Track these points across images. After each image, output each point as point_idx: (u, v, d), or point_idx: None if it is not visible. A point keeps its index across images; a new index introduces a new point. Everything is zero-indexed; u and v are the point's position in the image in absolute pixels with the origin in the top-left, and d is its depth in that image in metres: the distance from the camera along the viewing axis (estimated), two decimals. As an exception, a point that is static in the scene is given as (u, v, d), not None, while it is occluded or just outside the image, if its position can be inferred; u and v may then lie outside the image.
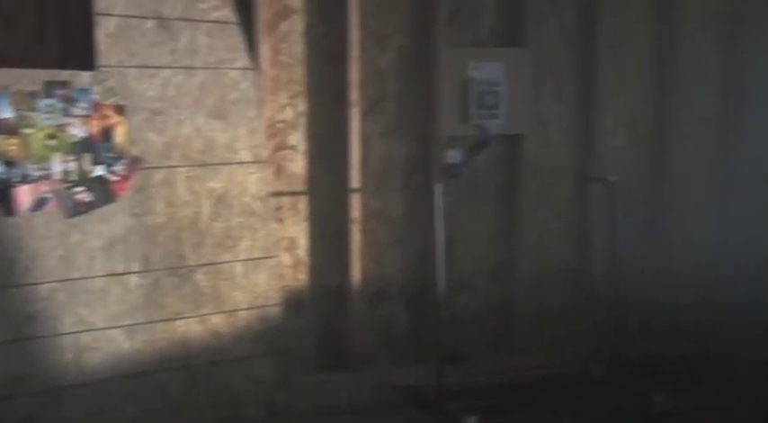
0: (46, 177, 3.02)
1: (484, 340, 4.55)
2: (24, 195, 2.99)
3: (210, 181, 3.42)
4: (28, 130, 2.99)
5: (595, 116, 4.63)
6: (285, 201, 4.16)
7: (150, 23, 3.27)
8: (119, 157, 3.19)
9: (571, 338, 4.69)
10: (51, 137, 3.03)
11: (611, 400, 4.15)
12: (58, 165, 3.05)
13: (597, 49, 4.57)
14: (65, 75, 3.08)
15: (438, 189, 4.01)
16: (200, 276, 3.38)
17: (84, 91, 3.10)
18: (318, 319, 4.27)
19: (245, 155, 3.52)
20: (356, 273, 4.25)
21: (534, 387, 4.29)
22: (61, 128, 3.05)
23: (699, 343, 4.57)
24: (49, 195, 3.04)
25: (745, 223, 4.94)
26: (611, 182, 4.44)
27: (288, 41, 4.06)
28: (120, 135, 3.19)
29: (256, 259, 3.54)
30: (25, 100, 2.98)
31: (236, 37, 3.48)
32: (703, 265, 4.88)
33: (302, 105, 4.13)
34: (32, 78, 3.02)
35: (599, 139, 4.65)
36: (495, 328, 4.59)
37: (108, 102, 3.16)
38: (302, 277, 4.23)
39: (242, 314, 3.48)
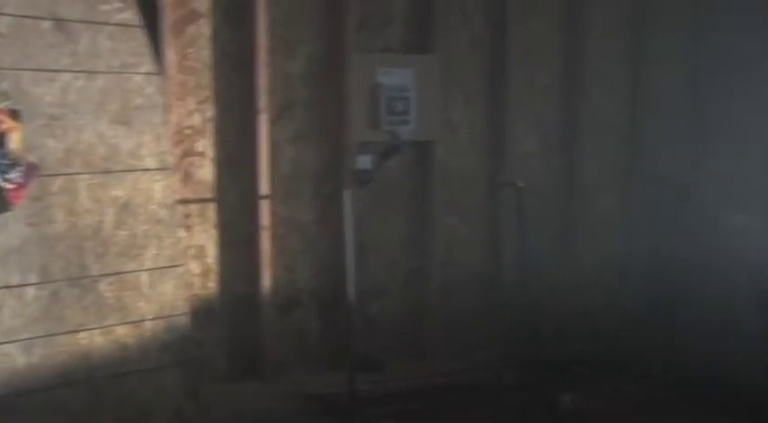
0: (-66, 185, 2.86)
1: (397, 346, 4.53)
2: None
3: (114, 188, 3.30)
4: None
5: (505, 123, 4.68)
6: (193, 208, 4.05)
7: (47, 24, 3.14)
8: (13, 164, 3.03)
9: (483, 343, 4.71)
10: (-60, 143, 2.87)
11: (521, 403, 4.18)
12: (-53, 172, 2.89)
13: (507, 58, 4.62)
14: (-46, 77, 2.93)
15: (348, 195, 3.97)
16: (103, 287, 3.25)
17: (-25, 95, 2.95)
18: (229, 327, 4.17)
19: (150, 162, 3.41)
20: (267, 280, 4.17)
21: (446, 392, 4.28)
22: (-49, 133, 2.89)
23: (606, 346, 4.64)
24: (-63, 204, 2.87)
25: (649, 230, 5.06)
26: (520, 188, 4.48)
27: (195, 46, 3.96)
28: (14, 141, 3.04)
29: (163, 268, 3.43)
30: None
31: (140, 41, 3.37)
32: (611, 271, 4.98)
33: (210, 111, 4.03)
34: None
35: (509, 146, 4.70)
36: (407, 334, 4.58)
37: (0, 106, 3.01)
38: (211, 286, 4.12)
39: (148, 325, 3.36)
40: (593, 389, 4.28)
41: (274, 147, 4.15)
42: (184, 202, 3.98)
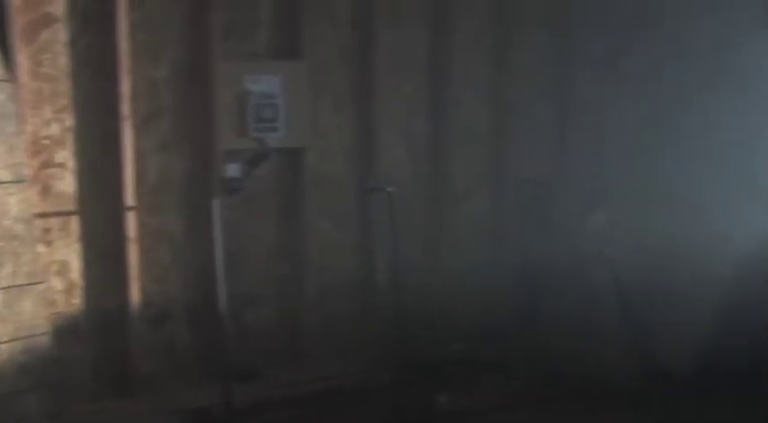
0: None
1: (273, 354, 4.44)
2: None
3: (-37, 203, 3.08)
4: None
5: (375, 129, 4.67)
6: (54, 222, 3.82)
7: None
8: None
9: (359, 347, 4.68)
10: None
11: (397, 404, 4.19)
12: None
13: (375, 63, 4.61)
14: None
15: (217, 204, 3.86)
16: (-47, 308, 3.02)
17: None
18: (96, 345, 3.97)
19: (3, 174, 3.20)
20: (135, 294, 4.00)
21: (324, 397, 4.24)
22: None
23: (479, 346, 4.71)
24: None
25: (517, 231, 5.17)
26: (390, 193, 4.49)
27: (51, 52, 3.74)
28: None
29: (20, 286, 3.23)
30: None
31: (-13, 46, 3.16)
32: (481, 272, 5.06)
33: (69, 120, 3.82)
34: None
35: (379, 151, 4.69)
36: (283, 341, 4.49)
37: None
38: (76, 302, 3.91)
39: (3, 347, 3.15)
40: (468, 388, 4.34)
41: (139, 156, 3.98)
42: (44, 215, 3.75)
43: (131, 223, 3.96)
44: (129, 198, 3.94)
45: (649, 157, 5.06)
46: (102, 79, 3.85)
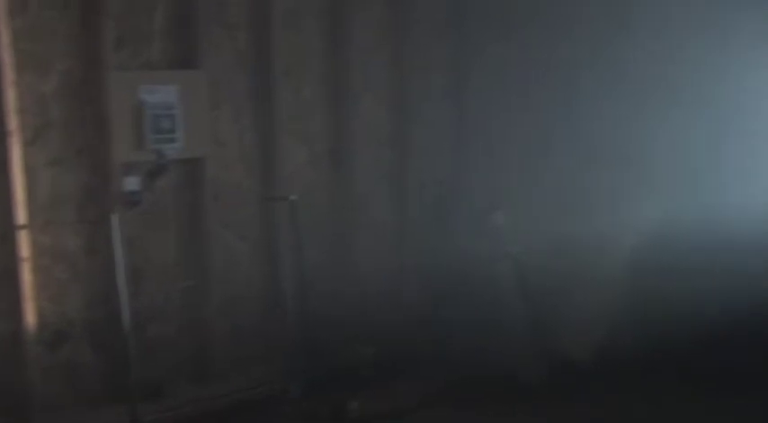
0: None
1: (179, 369, 4.30)
2: None
3: None
4: None
5: (275, 136, 4.59)
6: (-61, 244, 3.60)
7: None
8: None
9: (267, 357, 4.59)
10: None
11: (309, 413, 4.13)
12: None
13: (273, 71, 4.53)
14: None
15: (116, 219, 3.71)
16: None
17: None
18: (-10, 371, 3.75)
19: None
20: (30, 316, 3.80)
21: (233, 411, 4.14)
22: None
23: (389, 349, 4.69)
24: None
25: (423, 233, 5.19)
26: (292, 201, 4.44)
27: (-72, 65, 3.52)
28: None
29: None
30: None
31: None
32: (388, 275, 5.05)
33: (-49, 136, 3.60)
34: None
35: (279, 158, 4.61)
36: (190, 356, 4.36)
37: None
38: (-35, 328, 3.69)
39: None
40: (379, 393, 4.32)
41: (29, 172, 3.78)
42: (-73, 238, 3.53)
43: (23, 242, 3.76)
44: (20, 216, 3.74)
45: (545, 158, 5.17)
46: (-15, 92, 3.65)
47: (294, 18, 4.64)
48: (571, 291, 4.52)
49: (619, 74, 4.87)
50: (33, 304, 3.81)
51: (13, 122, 3.69)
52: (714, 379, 4.10)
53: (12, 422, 3.78)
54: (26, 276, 3.78)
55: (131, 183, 3.96)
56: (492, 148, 5.34)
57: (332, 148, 4.88)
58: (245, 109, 4.50)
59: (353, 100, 4.91)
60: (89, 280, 4.00)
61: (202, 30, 4.24)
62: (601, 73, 4.93)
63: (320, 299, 4.63)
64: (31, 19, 3.75)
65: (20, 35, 3.70)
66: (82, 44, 3.89)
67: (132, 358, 3.83)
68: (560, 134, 5.15)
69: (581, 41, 5.01)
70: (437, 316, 4.87)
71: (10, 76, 3.67)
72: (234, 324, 4.50)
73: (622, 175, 4.83)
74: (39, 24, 3.78)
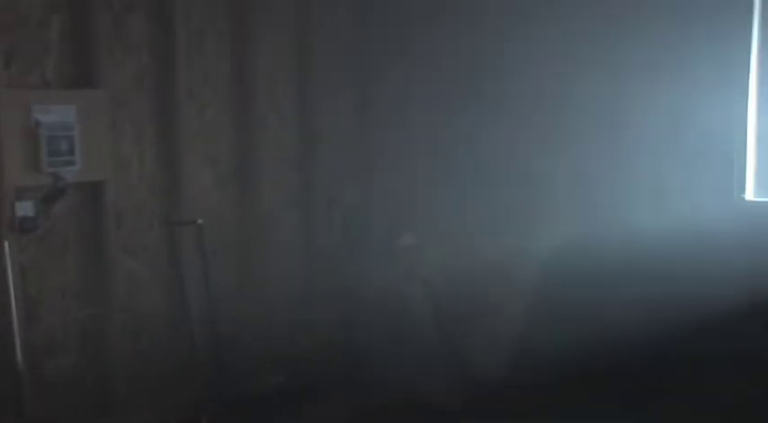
0: None
1: (80, 405, 4.00)
2: None
3: None
4: None
5: (178, 156, 4.36)
6: None
7: None
8: None
9: (175, 387, 4.34)
10: None
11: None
12: None
13: (176, 91, 4.31)
14: None
15: (7, 246, 3.42)
16: None
17: None
18: None
19: None
20: None
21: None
22: None
23: (302, 373, 4.53)
24: None
25: (331, 254, 5.05)
26: (198, 225, 4.23)
27: None
28: None
29: None
30: None
31: None
32: (298, 298, 4.89)
33: None
34: None
35: (183, 180, 4.39)
36: (89, 391, 4.06)
37: None
38: None
39: None
40: (290, 420, 4.15)
41: None
42: None
43: None
44: None
45: (451, 177, 5.14)
46: None
47: (199, 38, 4.44)
48: (482, 311, 4.49)
49: (523, 91, 4.88)
50: None
51: None
52: (626, 392, 4.12)
53: None
54: None
55: (25, 208, 3.67)
56: (398, 168, 5.27)
57: (238, 169, 4.69)
58: (147, 130, 4.26)
59: (259, 121, 4.74)
60: (-22, 313, 3.67)
61: (102, 47, 3.99)
62: (504, 91, 4.93)
63: (229, 325, 4.42)
64: None
65: None
66: (-33, 61, 3.59)
67: (26, 396, 3.53)
68: (465, 152, 5.12)
69: (483, 57, 5.00)
70: (349, 340, 4.74)
71: None
72: (138, 354, 4.23)
73: (528, 193, 4.84)
74: None
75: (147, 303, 4.28)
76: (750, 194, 4.48)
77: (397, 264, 4.69)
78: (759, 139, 4.47)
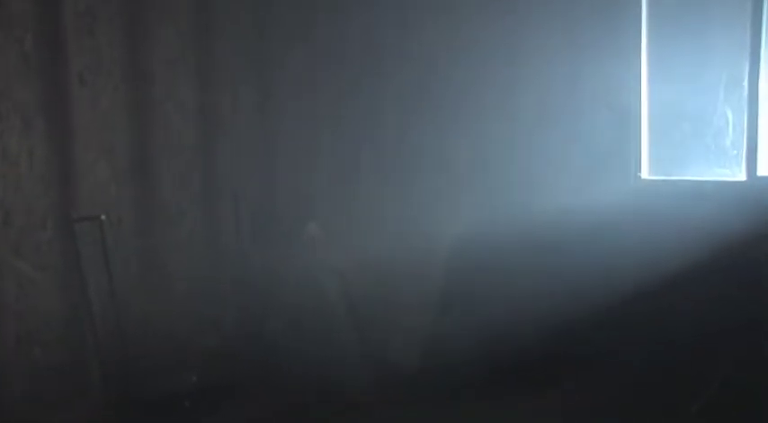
0: None
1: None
2: None
3: None
4: None
5: (72, 149, 3.90)
6: None
7: None
8: None
9: (74, 395, 3.88)
10: None
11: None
12: None
13: (65, 76, 3.84)
14: None
15: None
16: None
17: None
18: None
19: None
20: None
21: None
22: None
23: (214, 373, 4.16)
24: None
25: (237, 252, 4.69)
26: (100, 220, 3.79)
27: None
28: None
29: None
30: None
31: None
32: (204, 293, 4.51)
33: None
34: None
35: (78, 175, 3.94)
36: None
37: None
38: None
39: None
40: (205, 420, 3.80)
41: None
42: None
43: None
44: None
45: (356, 167, 4.90)
46: None
47: (90, 21, 3.98)
48: (394, 299, 4.26)
49: (425, 79, 4.71)
50: None
51: None
52: (539, 376, 4.00)
53: None
54: None
55: None
56: (303, 158, 4.97)
57: (137, 162, 4.26)
58: (36, 121, 3.78)
59: (157, 111, 4.33)
60: None
61: (-20, 31, 3.50)
62: (407, 78, 4.74)
63: (135, 325, 4.00)
64: None
65: None
66: None
67: None
68: (370, 142, 4.89)
69: (385, 48, 4.80)
70: (260, 337, 4.40)
71: None
72: (34, 363, 3.74)
73: (434, 180, 4.67)
74: None
75: (43, 309, 3.80)
76: (645, 173, 4.48)
77: (306, 255, 4.39)
78: (652, 120, 4.48)
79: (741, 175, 4.22)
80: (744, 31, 4.16)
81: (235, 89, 4.76)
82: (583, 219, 4.27)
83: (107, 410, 3.75)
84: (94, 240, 3.91)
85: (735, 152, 4.27)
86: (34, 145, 3.78)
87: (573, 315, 4.07)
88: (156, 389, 3.92)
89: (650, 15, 4.40)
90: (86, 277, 3.88)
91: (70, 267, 3.90)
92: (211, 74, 4.61)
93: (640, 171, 4.46)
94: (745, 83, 4.17)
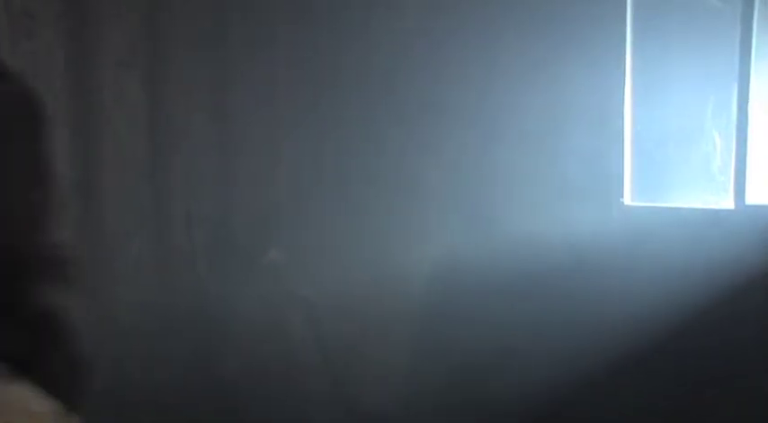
0: None
1: None
2: None
3: None
4: None
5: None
6: None
7: None
8: None
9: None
10: None
11: None
12: None
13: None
14: None
15: None
16: None
17: None
18: None
19: None
20: None
21: None
22: None
23: (166, 414, 3.68)
24: None
25: (191, 279, 4.22)
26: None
27: None
28: None
29: None
30: None
31: None
32: (153, 321, 4.02)
33: None
34: None
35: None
36: None
37: None
38: None
39: None
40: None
41: None
42: None
43: None
44: None
45: (322, 185, 4.48)
46: None
47: (29, 22, 3.47)
48: (366, 332, 3.86)
49: (393, 93, 4.35)
50: None
51: None
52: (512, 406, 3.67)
53: None
54: None
55: None
56: (263, 175, 4.52)
57: (78, 180, 3.76)
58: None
59: (103, 123, 3.84)
60: None
61: None
62: (373, 91, 4.36)
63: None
64: None
65: None
66: None
67: None
68: (333, 157, 4.48)
69: (350, 59, 4.41)
70: (219, 370, 3.93)
71: None
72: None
73: (407, 203, 4.29)
74: None
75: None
76: (628, 199, 4.21)
77: (269, 285, 3.95)
78: (635, 143, 4.22)
79: (729, 203, 3.98)
80: (732, 53, 3.95)
81: (190, 98, 4.28)
82: (562, 245, 4.04)
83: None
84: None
85: (722, 178, 4.03)
86: (-41, 160, 3.25)
87: (556, 355, 3.81)
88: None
89: (635, 35, 4.16)
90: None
91: None
92: (164, 81, 4.14)
93: (623, 196, 4.19)
94: (734, 106, 3.95)
